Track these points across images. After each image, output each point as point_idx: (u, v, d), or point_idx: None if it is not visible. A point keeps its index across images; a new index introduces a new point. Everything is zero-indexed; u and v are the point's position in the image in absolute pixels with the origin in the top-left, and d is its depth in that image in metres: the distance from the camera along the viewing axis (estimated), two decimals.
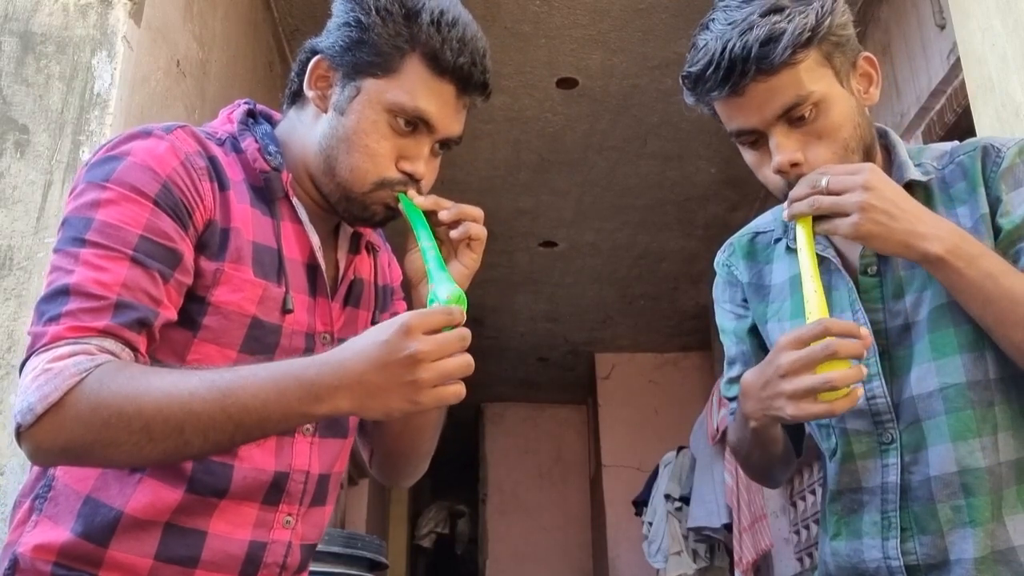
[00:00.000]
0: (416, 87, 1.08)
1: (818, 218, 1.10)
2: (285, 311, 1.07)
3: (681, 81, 1.21)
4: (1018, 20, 1.85)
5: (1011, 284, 1.05)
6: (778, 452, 1.25)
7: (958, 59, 2.26)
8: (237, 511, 1.04)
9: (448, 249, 1.12)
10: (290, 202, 1.12)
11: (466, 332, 0.93)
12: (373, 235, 1.24)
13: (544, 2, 3.52)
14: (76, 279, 0.94)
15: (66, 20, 2.16)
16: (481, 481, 7.71)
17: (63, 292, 0.94)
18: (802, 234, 1.11)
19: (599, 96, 4.05)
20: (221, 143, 1.11)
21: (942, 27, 2.80)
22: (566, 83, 3.96)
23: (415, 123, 1.09)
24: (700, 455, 4.95)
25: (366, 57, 1.09)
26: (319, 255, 1.12)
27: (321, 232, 1.15)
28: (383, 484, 1.30)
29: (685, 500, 5.02)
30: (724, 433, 4.55)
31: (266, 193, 1.10)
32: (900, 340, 1.17)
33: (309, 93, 1.13)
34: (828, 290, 1.19)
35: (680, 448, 5.31)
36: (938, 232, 1.06)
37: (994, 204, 1.14)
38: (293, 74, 1.17)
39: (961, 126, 2.73)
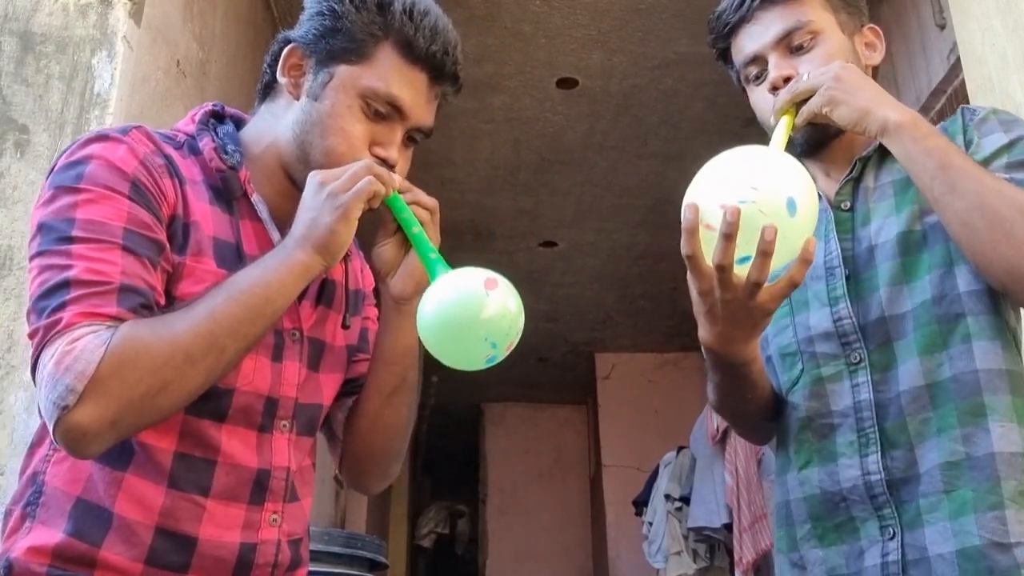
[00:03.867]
0: (389, 73, 1.10)
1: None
2: None
3: (708, 27, 1.36)
4: (1018, 20, 1.85)
5: (962, 161, 1.12)
6: (764, 392, 1.27)
7: (958, 59, 2.26)
8: (225, 513, 1.04)
9: (406, 241, 1.13)
10: (249, 200, 1.12)
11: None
12: None
13: (544, 2, 3.52)
14: (74, 272, 0.95)
15: (66, 20, 2.16)
16: (481, 481, 7.72)
17: (63, 285, 0.95)
18: (782, 124, 1.18)
19: (599, 96, 4.05)
20: (179, 146, 1.11)
21: (942, 27, 2.81)
22: (566, 83, 3.96)
23: (388, 109, 1.11)
24: (700, 455, 4.95)
25: (340, 44, 1.11)
26: None
27: (287, 232, 1.14)
28: (354, 489, 1.31)
29: (685, 500, 5.02)
30: (724, 433, 4.55)
31: (224, 192, 1.10)
32: (866, 264, 1.23)
33: (282, 80, 1.14)
34: None
35: (680, 448, 5.31)
36: (900, 106, 1.16)
37: (967, 146, 1.21)
38: (265, 66, 1.18)
39: None
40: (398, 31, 1.11)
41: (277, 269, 1.02)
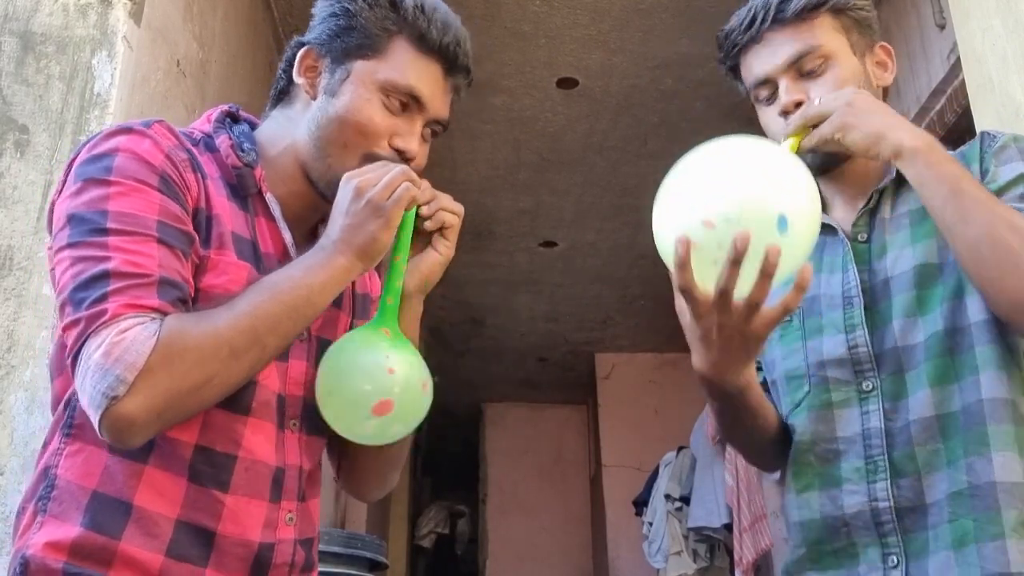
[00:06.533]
0: (405, 66, 1.13)
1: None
2: None
3: (716, 44, 1.35)
4: (1018, 20, 1.85)
5: (974, 188, 1.11)
6: (766, 421, 1.26)
7: (958, 59, 2.26)
8: (247, 511, 1.04)
9: (423, 239, 1.15)
10: (263, 199, 1.14)
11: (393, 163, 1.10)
12: None
13: (544, 2, 3.51)
14: (113, 264, 0.96)
15: (66, 20, 2.16)
16: (481, 481, 7.71)
17: (103, 276, 0.95)
18: (786, 144, 1.17)
19: (599, 96, 4.05)
20: (195, 143, 1.12)
21: (942, 27, 2.80)
22: (566, 83, 3.96)
23: (407, 101, 1.13)
24: (700, 455, 4.95)
25: (355, 41, 1.14)
26: (292, 251, 1.14)
27: (298, 234, 1.16)
28: (352, 496, 1.33)
29: (685, 500, 5.02)
30: None
31: (239, 189, 1.12)
32: (881, 296, 1.22)
33: (299, 80, 1.16)
34: (825, 252, 1.28)
35: (680, 448, 5.31)
36: (914, 131, 1.15)
37: (983, 174, 1.20)
38: (280, 71, 1.20)
39: (961, 126, 2.73)
40: (411, 25, 1.14)
41: (318, 272, 1.04)
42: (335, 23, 1.15)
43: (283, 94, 1.20)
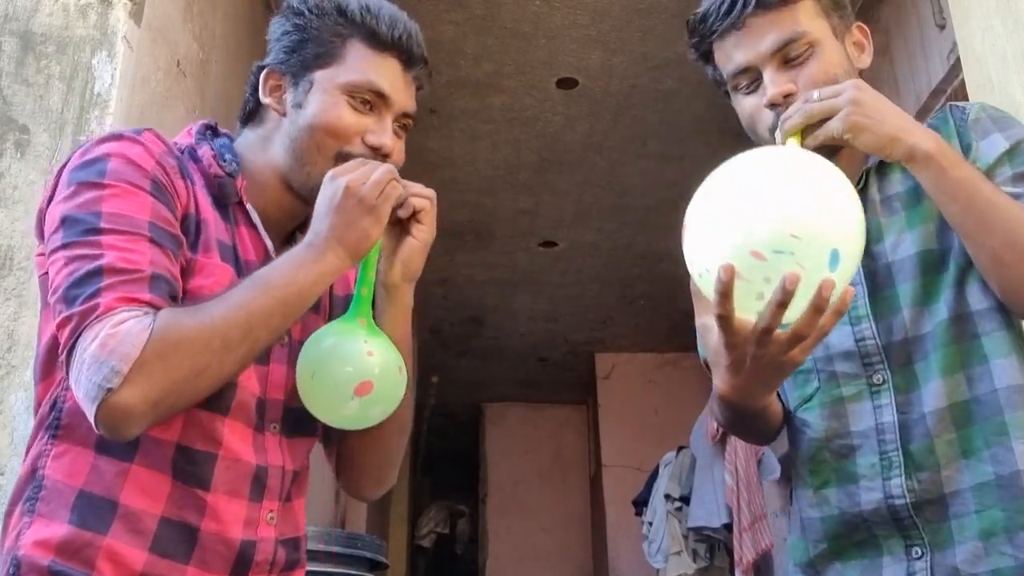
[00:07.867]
0: (364, 65, 1.16)
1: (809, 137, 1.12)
2: None
3: (687, 28, 1.27)
4: (1018, 20, 1.85)
5: (990, 190, 1.09)
6: (772, 421, 1.25)
7: (958, 59, 2.26)
8: (227, 508, 1.05)
9: (401, 230, 1.16)
10: (244, 207, 1.16)
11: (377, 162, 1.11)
12: None
13: (544, 2, 3.52)
14: (106, 261, 0.98)
15: (66, 20, 2.16)
16: (481, 481, 7.72)
17: (96, 273, 0.98)
18: (790, 145, 1.11)
19: (599, 96, 4.05)
20: (181, 153, 1.15)
21: (942, 27, 2.80)
22: (566, 83, 3.96)
23: (372, 99, 1.16)
24: (700, 455, 4.95)
25: (311, 52, 1.17)
26: (273, 257, 1.15)
27: (276, 240, 1.19)
28: (352, 495, 1.33)
29: (685, 500, 5.02)
30: (724, 433, 4.55)
31: (221, 199, 1.15)
32: (885, 282, 1.20)
33: (266, 100, 1.19)
34: None
35: (680, 448, 5.31)
36: (925, 132, 1.11)
37: (966, 151, 1.18)
38: (247, 95, 1.23)
39: None
40: (361, 26, 1.17)
41: (310, 268, 1.05)
42: (289, 40, 1.18)
43: (252, 114, 1.23)
